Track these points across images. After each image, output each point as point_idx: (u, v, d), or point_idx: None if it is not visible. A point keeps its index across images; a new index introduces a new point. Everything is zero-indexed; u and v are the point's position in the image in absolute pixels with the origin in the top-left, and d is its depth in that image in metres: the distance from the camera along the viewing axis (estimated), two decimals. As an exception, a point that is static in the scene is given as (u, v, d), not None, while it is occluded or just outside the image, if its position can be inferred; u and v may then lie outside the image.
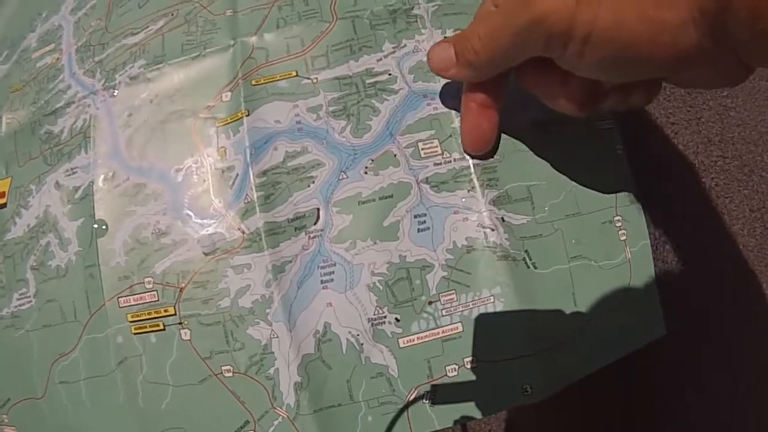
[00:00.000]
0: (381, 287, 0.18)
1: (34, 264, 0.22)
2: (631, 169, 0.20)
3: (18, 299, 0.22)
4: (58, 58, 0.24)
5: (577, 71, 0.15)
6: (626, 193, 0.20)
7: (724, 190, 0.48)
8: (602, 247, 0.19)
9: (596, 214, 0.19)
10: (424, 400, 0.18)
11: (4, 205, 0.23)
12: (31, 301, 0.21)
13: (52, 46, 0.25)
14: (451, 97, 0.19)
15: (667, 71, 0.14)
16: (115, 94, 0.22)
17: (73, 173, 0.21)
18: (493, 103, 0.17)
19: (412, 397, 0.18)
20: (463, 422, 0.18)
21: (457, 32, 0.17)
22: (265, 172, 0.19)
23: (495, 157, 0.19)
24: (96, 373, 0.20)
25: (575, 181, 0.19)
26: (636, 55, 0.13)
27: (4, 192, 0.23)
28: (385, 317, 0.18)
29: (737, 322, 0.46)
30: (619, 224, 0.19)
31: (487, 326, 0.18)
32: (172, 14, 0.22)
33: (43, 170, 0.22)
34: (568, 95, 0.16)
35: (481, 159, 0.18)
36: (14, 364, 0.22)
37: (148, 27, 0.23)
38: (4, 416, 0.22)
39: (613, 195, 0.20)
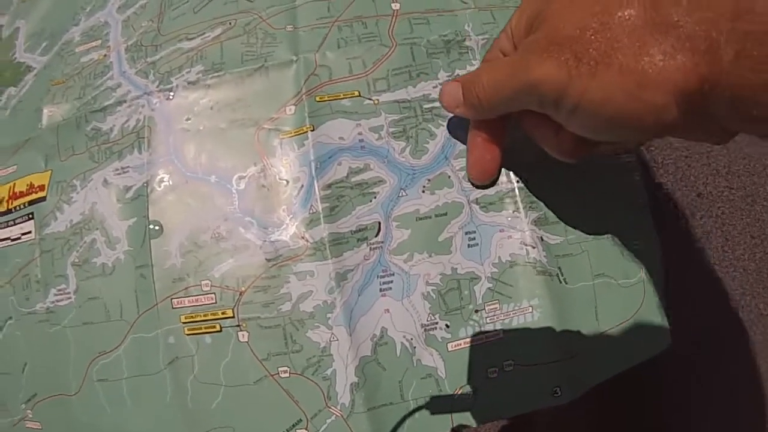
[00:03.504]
0: (434, 296, 0.19)
1: (77, 260, 0.21)
2: (648, 196, 0.23)
3: (55, 294, 0.22)
4: (105, 55, 0.24)
5: (568, 128, 0.16)
6: (643, 219, 0.22)
7: (729, 218, 0.52)
8: (621, 267, 0.22)
9: (618, 238, 0.22)
10: (467, 399, 0.19)
11: (43, 199, 0.23)
12: (70, 298, 0.21)
13: (99, 42, 0.25)
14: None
15: (652, 137, 0.15)
16: (171, 96, 0.22)
17: (125, 172, 0.22)
18: (496, 139, 0.19)
19: (457, 396, 0.19)
20: (499, 419, 0.20)
21: (467, 73, 0.19)
22: (329, 186, 0.20)
23: (530, 182, 0.21)
24: (141, 372, 0.20)
25: (600, 208, 0.22)
26: (621, 125, 0.14)
27: (43, 185, 0.23)
28: (437, 323, 0.19)
29: (737, 338, 0.50)
30: (636, 247, 0.22)
31: (524, 334, 0.20)
32: (230, 23, 0.23)
33: (89, 167, 0.22)
34: (559, 144, 0.17)
35: (482, 189, 0.20)
36: (46, 359, 0.22)
37: (204, 33, 0.23)
38: (29, 411, 0.22)
39: (633, 220, 0.22)
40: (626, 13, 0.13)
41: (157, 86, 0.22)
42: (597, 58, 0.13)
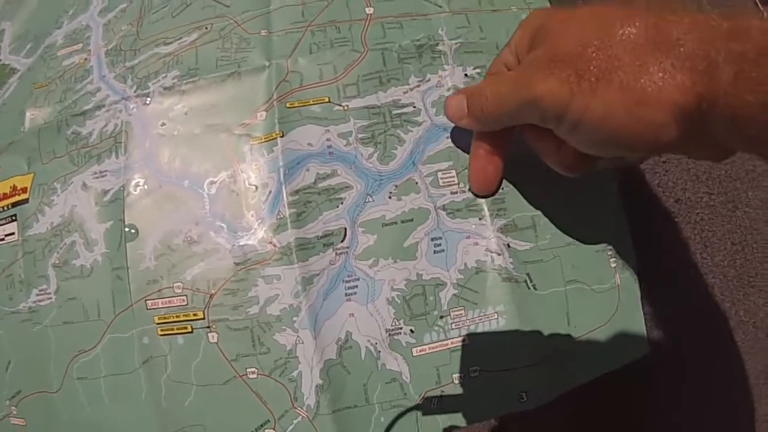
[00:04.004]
0: (399, 301, 0.20)
1: (57, 262, 0.22)
2: (624, 202, 0.23)
3: (37, 295, 0.22)
4: (86, 59, 0.24)
5: (569, 143, 0.16)
6: (618, 224, 0.22)
7: (708, 224, 0.51)
8: (595, 273, 0.22)
9: (591, 244, 0.22)
10: (432, 404, 0.20)
11: (26, 201, 0.23)
12: (51, 298, 0.22)
13: (80, 45, 0.25)
14: (464, 140, 0.21)
15: (651, 154, 0.16)
16: (148, 102, 0.22)
17: (102, 176, 0.22)
18: (499, 151, 0.19)
19: (421, 401, 0.20)
20: (466, 425, 0.20)
21: (472, 85, 0.19)
22: (297, 191, 0.20)
23: (503, 189, 0.21)
24: (118, 370, 0.21)
25: (574, 213, 0.22)
26: (621, 142, 0.14)
27: (26, 188, 0.23)
28: (401, 328, 0.20)
29: (717, 345, 0.50)
30: (610, 253, 0.22)
31: (490, 339, 0.20)
32: (206, 28, 0.23)
33: (70, 170, 0.23)
34: (561, 159, 0.17)
35: (483, 198, 0.20)
36: (29, 357, 0.22)
37: (181, 38, 0.23)
38: (13, 408, 0.23)
39: (606, 226, 0.22)
40: (627, 31, 0.13)
41: (135, 91, 0.23)
42: (598, 75, 0.14)
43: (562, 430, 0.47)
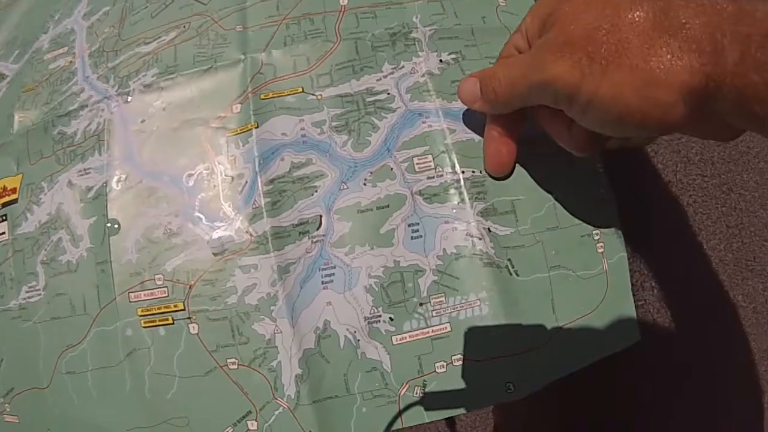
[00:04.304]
0: (377, 289, 0.19)
1: (45, 259, 0.23)
2: (611, 185, 0.22)
3: (27, 292, 0.23)
4: (71, 62, 0.25)
5: (581, 123, 0.16)
6: (605, 208, 0.22)
7: (702, 207, 0.50)
8: (581, 259, 0.21)
9: (576, 228, 0.21)
10: (414, 394, 0.19)
11: (15, 201, 0.24)
12: (40, 294, 0.22)
13: (65, 49, 0.26)
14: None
15: (660, 134, 0.16)
16: (128, 100, 0.23)
17: (87, 173, 0.23)
18: (512, 133, 0.19)
19: (404, 391, 0.19)
20: (451, 416, 0.20)
21: (484, 69, 0.19)
22: (272, 181, 0.20)
23: (482, 173, 0.21)
24: (104, 364, 0.21)
25: (557, 196, 0.21)
26: (631, 122, 0.15)
27: (15, 188, 0.24)
28: (380, 316, 0.19)
29: (714, 332, 0.48)
30: (597, 237, 0.21)
31: (472, 327, 0.20)
32: (184, 26, 0.24)
33: (56, 169, 0.23)
34: (572, 138, 0.18)
35: (499, 180, 0.21)
36: (20, 354, 0.23)
37: (160, 37, 0.24)
38: (7, 405, 0.23)
39: (593, 210, 0.21)
40: (636, 15, 0.14)
41: (116, 90, 0.23)
42: (608, 58, 0.14)
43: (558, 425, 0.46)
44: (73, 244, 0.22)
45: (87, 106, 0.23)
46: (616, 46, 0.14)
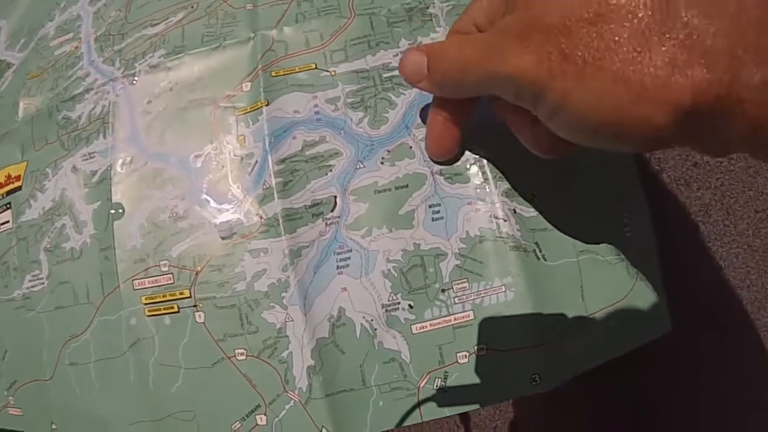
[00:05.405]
0: (395, 274, 0.18)
1: (48, 246, 0.22)
2: (638, 168, 0.21)
3: (30, 281, 0.22)
4: (77, 47, 0.25)
5: (547, 125, 0.14)
6: (632, 191, 0.20)
7: (729, 190, 0.48)
8: (609, 243, 0.20)
9: (603, 211, 0.20)
10: (434, 387, 0.18)
11: (19, 188, 0.23)
12: (43, 283, 0.22)
13: (71, 35, 0.25)
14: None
15: (641, 152, 0.13)
16: (134, 81, 0.22)
17: (91, 158, 0.22)
18: (458, 120, 0.17)
19: (423, 383, 0.18)
20: (473, 409, 0.18)
21: (435, 42, 0.16)
22: (283, 160, 0.19)
23: (511, 149, 0.19)
24: (107, 354, 0.20)
25: (584, 177, 0.20)
26: (607, 137, 0.12)
27: (19, 175, 0.23)
28: (399, 303, 0.18)
29: (744, 321, 0.46)
30: (625, 221, 0.20)
31: (497, 315, 0.18)
32: (192, 6, 0.23)
33: (60, 155, 0.23)
34: (535, 138, 0.15)
35: (443, 165, 0.19)
36: (24, 345, 0.22)
37: (168, 18, 0.23)
38: (10, 398, 0.22)
39: (620, 193, 0.20)
40: (629, 7, 0.11)
41: (122, 72, 0.22)
42: (586, 58, 0.11)
43: (582, 421, 0.44)
44: (77, 230, 0.21)
45: (92, 89, 0.23)
46: (599, 43, 0.11)
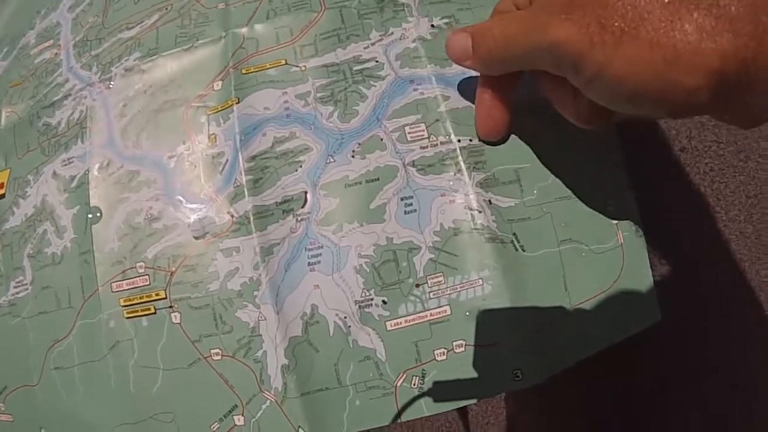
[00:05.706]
0: (368, 269, 0.18)
1: (31, 252, 0.22)
2: (623, 152, 0.20)
3: (15, 287, 0.22)
4: (56, 54, 0.25)
5: (586, 94, 0.15)
6: (618, 176, 0.20)
7: (719, 175, 0.47)
8: (593, 232, 0.19)
9: (587, 198, 0.19)
10: (412, 385, 0.18)
11: (2, 196, 0.23)
12: (27, 289, 0.22)
13: (51, 42, 0.25)
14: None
15: (676, 117, 0.14)
16: (110, 86, 0.22)
17: (70, 163, 0.22)
18: (506, 96, 0.18)
19: (400, 382, 0.18)
20: (453, 408, 0.18)
21: (479, 23, 0.17)
22: (254, 157, 0.19)
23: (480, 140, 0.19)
24: (89, 358, 0.20)
25: (565, 163, 0.19)
26: (644, 102, 0.13)
27: (2, 183, 0.24)
28: (372, 299, 0.18)
29: (736, 309, 0.45)
30: (610, 208, 0.19)
31: (475, 309, 0.18)
32: (167, 8, 0.23)
33: (41, 161, 0.23)
34: (576, 109, 0.16)
35: (493, 145, 0.19)
36: (11, 352, 0.22)
37: (143, 21, 0.23)
38: (1, 405, 0.23)
39: (604, 178, 0.20)
40: None
41: (99, 77, 0.23)
42: (623, 28, 0.12)
43: (574, 421, 0.43)
44: (58, 235, 0.21)
45: (71, 95, 0.23)
46: (634, 14, 0.12)
